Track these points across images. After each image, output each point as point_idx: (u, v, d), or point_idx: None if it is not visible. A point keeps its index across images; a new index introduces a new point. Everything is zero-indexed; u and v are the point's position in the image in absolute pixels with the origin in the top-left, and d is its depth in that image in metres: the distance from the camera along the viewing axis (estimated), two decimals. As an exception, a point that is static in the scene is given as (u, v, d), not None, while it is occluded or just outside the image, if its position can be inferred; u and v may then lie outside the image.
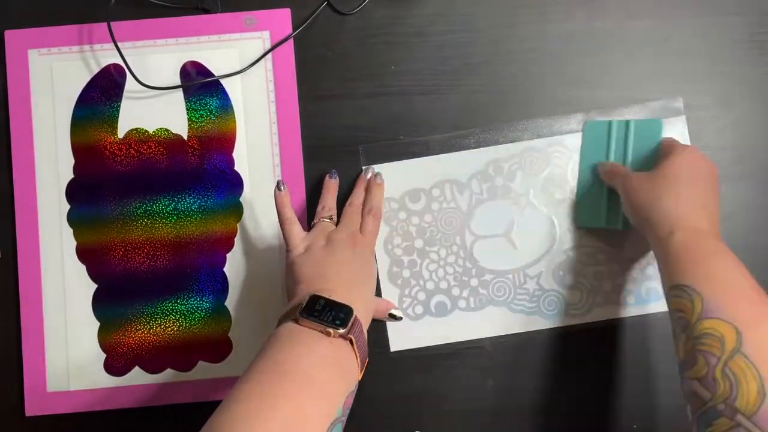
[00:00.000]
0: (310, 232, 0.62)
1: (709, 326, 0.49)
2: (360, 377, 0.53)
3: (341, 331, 0.51)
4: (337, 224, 0.63)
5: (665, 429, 0.66)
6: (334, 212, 0.64)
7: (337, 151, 0.68)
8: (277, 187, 0.62)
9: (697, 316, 0.50)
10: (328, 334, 0.51)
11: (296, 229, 0.61)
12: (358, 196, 0.65)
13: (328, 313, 0.52)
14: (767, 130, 0.69)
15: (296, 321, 0.52)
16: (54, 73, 0.69)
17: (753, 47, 0.70)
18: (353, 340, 0.51)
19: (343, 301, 0.53)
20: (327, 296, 0.53)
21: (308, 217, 0.67)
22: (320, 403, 0.47)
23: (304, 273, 0.57)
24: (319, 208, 0.64)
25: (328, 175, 0.66)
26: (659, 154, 0.64)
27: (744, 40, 0.70)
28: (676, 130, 0.68)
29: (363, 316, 0.55)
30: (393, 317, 0.66)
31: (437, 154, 0.68)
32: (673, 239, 0.55)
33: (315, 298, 0.53)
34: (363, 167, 0.67)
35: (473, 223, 0.67)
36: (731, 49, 0.70)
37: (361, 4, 0.69)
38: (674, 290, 0.53)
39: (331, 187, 0.66)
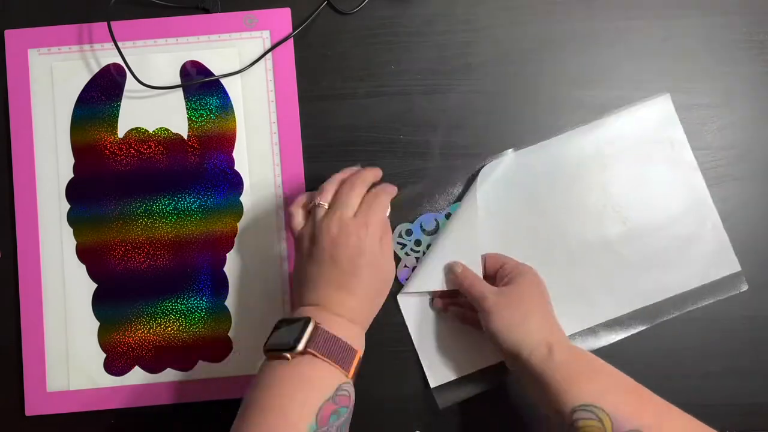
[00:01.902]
0: (305, 224, 0.59)
1: None
2: (350, 375, 0.53)
3: (299, 348, 0.51)
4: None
5: (665, 429, 0.66)
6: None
7: (337, 151, 0.68)
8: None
9: None
10: (286, 358, 0.52)
11: (294, 223, 0.59)
12: (351, 170, 0.61)
13: (286, 335, 0.53)
14: (767, 130, 0.69)
15: (264, 354, 0.54)
16: (54, 73, 0.69)
17: (753, 47, 0.70)
18: (314, 352, 0.51)
19: (308, 314, 0.54)
20: (294, 315, 0.55)
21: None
22: (284, 429, 0.49)
23: (293, 281, 0.60)
24: (320, 189, 0.59)
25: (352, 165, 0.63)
26: (499, 276, 0.63)
27: (744, 40, 0.70)
28: (670, 128, 0.68)
29: (348, 313, 0.55)
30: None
31: (437, 154, 0.68)
32: (554, 360, 0.55)
33: (278, 323, 0.55)
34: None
35: None
36: (731, 49, 0.70)
37: (361, 4, 0.69)
38: (578, 412, 0.52)
39: (346, 171, 0.61)
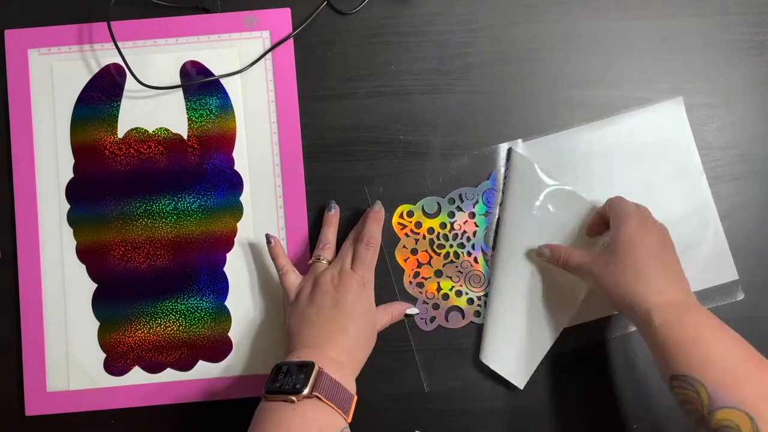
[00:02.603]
0: (304, 278, 0.63)
1: (722, 417, 0.49)
2: (349, 419, 0.54)
3: (304, 392, 0.52)
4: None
5: (665, 429, 0.66)
6: (331, 249, 0.64)
7: (337, 151, 0.68)
8: (267, 241, 0.64)
9: (707, 409, 0.49)
10: (291, 401, 0.52)
11: (291, 278, 0.63)
12: (355, 231, 0.65)
13: (290, 378, 0.53)
14: (767, 130, 0.69)
15: (265, 397, 0.54)
16: (54, 73, 0.69)
17: (753, 47, 0.70)
18: (320, 396, 0.52)
19: (308, 358, 0.55)
20: (294, 358, 0.56)
21: (309, 226, 0.67)
22: None
23: (290, 326, 0.60)
24: (317, 246, 0.65)
25: (326, 208, 0.66)
26: (610, 226, 0.61)
27: (744, 40, 0.70)
28: (680, 131, 0.68)
29: (344, 356, 0.57)
30: (409, 316, 0.66)
31: (437, 154, 0.68)
32: (653, 324, 0.54)
33: (278, 367, 0.55)
34: (373, 204, 0.66)
35: None
36: (731, 49, 0.70)
37: (361, 4, 0.69)
38: (675, 381, 0.52)
39: (330, 220, 0.66)
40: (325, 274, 0.61)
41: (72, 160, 0.68)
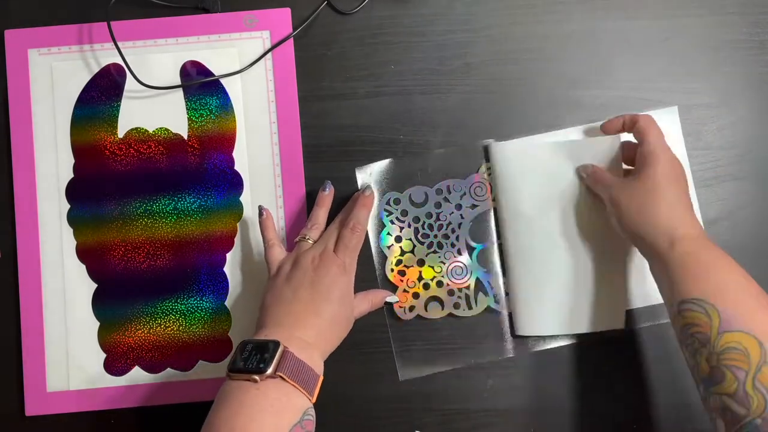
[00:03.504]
0: (287, 254, 0.63)
1: (731, 340, 0.49)
2: (314, 399, 0.54)
3: (268, 372, 0.51)
4: None
5: (665, 429, 0.66)
6: (319, 229, 0.64)
7: (337, 151, 0.68)
8: (259, 213, 0.64)
9: (716, 330, 0.50)
10: (254, 381, 0.52)
11: (275, 252, 0.63)
12: (342, 214, 0.65)
13: (254, 357, 0.53)
14: (767, 130, 0.69)
15: (229, 375, 0.53)
16: (54, 73, 0.69)
17: (753, 47, 0.70)
18: (283, 376, 0.52)
19: (275, 337, 0.54)
20: (261, 336, 0.55)
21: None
22: None
23: (264, 301, 0.60)
24: (306, 223, 0.64)
25: (321, 187, 0.65)
26: (637, 158, 0.62)
27: (744, 40, 0.70)
28: (673, 140, 0.67)
29: (313, 337, 0.56)
30: (388, 304, 0.66)
31: (438, 152, 0.68)
32: (674, 252, 0.55)
33: (243, 344, 0.55)
34: (365, 187, 0.65)
35: None
36: (731, 49, 0.70)
37: (361, 4, 0.69)
38: (686, 304, 0.52)
39: (322, 200, 0.65)
40: (306, 254, 0.61)
41: (72, 160, 0.68)
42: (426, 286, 0.67)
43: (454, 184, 0.68)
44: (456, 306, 0.66)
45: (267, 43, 0.69)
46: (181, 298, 0.67)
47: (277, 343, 0.53)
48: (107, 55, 0.69)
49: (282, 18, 0.69)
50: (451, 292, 0.67)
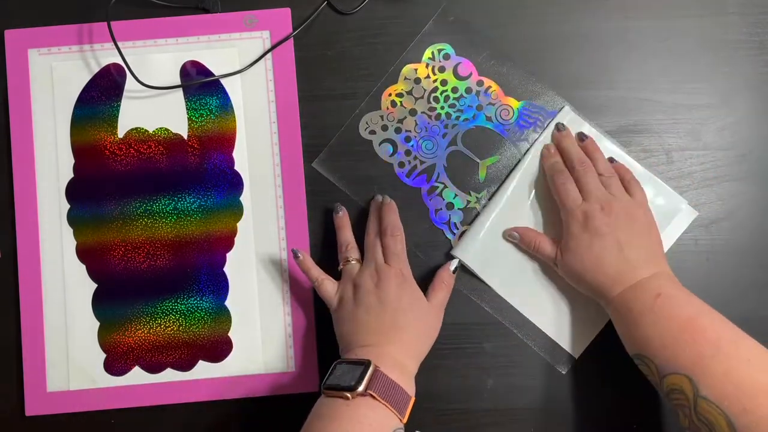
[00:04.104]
0: (339, 283, 0.63)
1: (670, 383, 0.54)
2: (404, 420, 0.55)
3: (359, 390, 0.53)
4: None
5: (665, 429, 0.66)
6: (354, 247, 0.65)
7: (337, 151, 0.68)
8: (294, 256, 0.64)
9: (659, 376, 0.55)
10: (346, 398, 0.53)
11: (328, 287, 0.63)
12: (372, 223, 0.65)
13: (346, 376, 0.55)
14: (767, 130, 0.69)
15: (323, 393, 0.56)
16: (54, 73, 0.69)
17: (753, 47, 0.70)
18: (374, 394, 0.53)
19: (365, 356, 0.56)
20: (352, 356, 0.57)
21: (309, 226, 0.67)
22: None
23: (342, 332, 0.61)
24: (340, 249, 0.65)
25: (333, 212, 0.66)
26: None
27: (744, 40, 0.70)
28: (683, 225, 0.67)
29: (402, 353, 0.58)
30: (456, 270, 0.65)
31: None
32: (611, 311, 0.61)
33: (336, 365, 0.57)
34: (375, 196, 0.66)
35: None
36: (731, 49, 0.70)
37: (361, 4, 0.69)
38: (635, 359, 0.58)
39: (341, 222, 0.66)
40: (362, 274, 0.62)
41: (72, 160, 0.68)
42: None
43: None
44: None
45: (267, 43, 0.69)
46: (181, 298, 0.67)
47: (368, 362, 0.55)
48: (107, 55, 0.69)
49: (282, 18, 0.69)
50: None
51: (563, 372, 0.66)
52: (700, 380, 0.52)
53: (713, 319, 0.55)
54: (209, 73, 0.69)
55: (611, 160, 0.66)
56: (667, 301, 0.56)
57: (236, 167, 0.68)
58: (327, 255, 0.67)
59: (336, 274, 0.64)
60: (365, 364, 0.55)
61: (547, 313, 0.66)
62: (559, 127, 0.67)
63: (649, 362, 0.56)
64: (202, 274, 0.67)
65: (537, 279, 0.66)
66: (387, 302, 0.59)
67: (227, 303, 0.67)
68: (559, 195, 0.63)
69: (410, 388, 0.57)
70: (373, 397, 0.53)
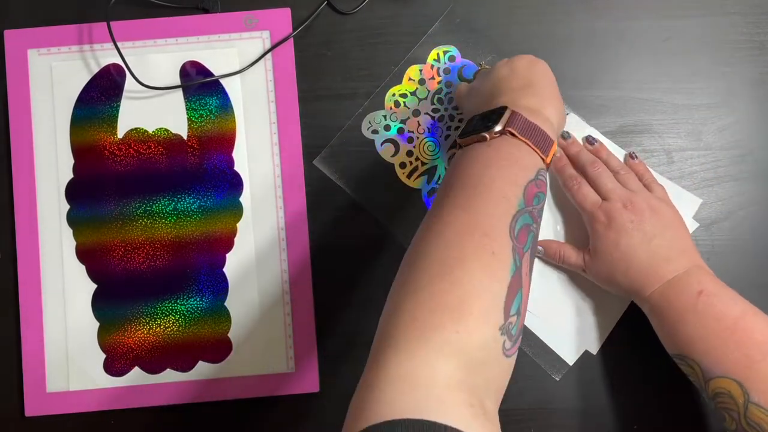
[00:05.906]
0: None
1: (716, 386, 0.53)
2: (548, 161, 0.52)
3: (496, 129, 0.50)
4: None
5: (665, 429, 0.66)
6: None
7: (337, 151, 0.68)
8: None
9: (704, 379, 0.54)
10: (483, 139, 0.51)
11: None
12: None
13: (480, 123, 0.52)
14: (767, 130, 0.69)
15: (459, 146, 0.54)
16: (54, 73, 0.69)
17: (753, 47, 0.70)
18: (513, 131, 0.50)
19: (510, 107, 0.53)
20: (484, 109, 0.54)
21: (309, 226, 0.67)
22: (494, 203, 0.47)
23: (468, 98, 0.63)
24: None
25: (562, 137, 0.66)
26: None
27: (744, 40, 0.70)
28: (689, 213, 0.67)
29: (539, 103, 0.54)
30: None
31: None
32: (647, 310, 0.59)
33: (471, 119, 0.55)
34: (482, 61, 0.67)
35: None
36: (731, 49, 0.70)
37: (361, 4, 0.69)
38: (675, 358, 0.57)
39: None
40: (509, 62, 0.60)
41: (72, 161, 0.68)
42: None
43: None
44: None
45: (267, 43, 0.69)
46: (181, 299, 0.67)
47: (503, 108, 0.52)
48: (107, 55, 0.69)
49: (282, 18, 0.69)
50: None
51: (557, 379, 0.65)
52: (750, 386, 0.50)
53: (760, 319, 0.54)
54: (209, 74, 0.69)
55: (632, 156, 0.66)
56: (710, 299, 0.54)
57: (236, 167, 0.68)
58: (327, 255, 0.67)
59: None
60: (500, 108, 0.52)
61: (544, 319, 0.66)
62: (564, 136, 0.66)
63: (693, 364, 0.54)
64: (201, 274, 0.67)
65: (534, 286, 0.65)
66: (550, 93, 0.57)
67: (227, 303, 0.67)
68: (576, 200, 0.62)
69: (552, 133, 0.53)
70: (513, 135, 0.50)
